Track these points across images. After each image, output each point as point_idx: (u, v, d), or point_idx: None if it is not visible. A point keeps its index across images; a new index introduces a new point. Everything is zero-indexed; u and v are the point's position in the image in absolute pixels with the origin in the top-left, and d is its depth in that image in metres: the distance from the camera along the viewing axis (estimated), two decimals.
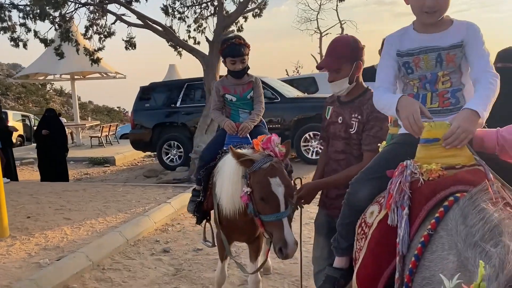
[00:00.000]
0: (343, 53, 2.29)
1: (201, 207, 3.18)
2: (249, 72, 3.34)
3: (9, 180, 8.02)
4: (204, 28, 11.63)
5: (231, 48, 3.12)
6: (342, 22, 23.42)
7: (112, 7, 9.60)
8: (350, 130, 2.34)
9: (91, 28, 10.13)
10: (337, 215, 1.93)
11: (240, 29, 11.61)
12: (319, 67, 2.57)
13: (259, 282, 2.96)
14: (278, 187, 2.27)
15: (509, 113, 2.26)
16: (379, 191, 1.61)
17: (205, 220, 3.33)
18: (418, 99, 1.69)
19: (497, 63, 3.00)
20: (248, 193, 2.32)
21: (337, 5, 21.53)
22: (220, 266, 3.12)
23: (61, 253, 4.26)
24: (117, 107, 45.55)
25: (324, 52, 22.74)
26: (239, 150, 2.48)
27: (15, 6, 8.76)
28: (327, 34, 23.87)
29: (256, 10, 11.09)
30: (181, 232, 5.19)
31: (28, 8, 8.70)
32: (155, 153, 10.99)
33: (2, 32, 8.76)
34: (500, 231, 0.96)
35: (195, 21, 11.49)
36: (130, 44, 10.05)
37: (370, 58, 4.20)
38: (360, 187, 1.70)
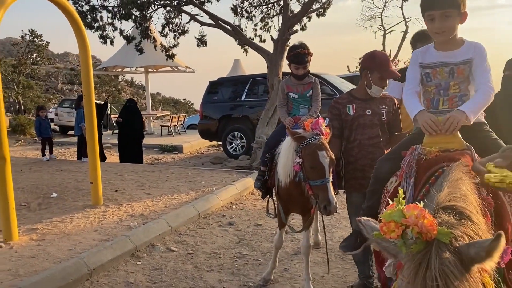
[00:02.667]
0: None
1: (266, 184, 3.87)
2: (310, 71, 4.00)
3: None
4: (270, 27, 12.28)
5: (296, 56, 3.77)
6: (407, 20, 23.05)
7: (187, 7, 10.55)
8: (382, 118, 3.17)
9: (167, 27, 11.13)
10: None
11: (303, 28, 12.13)
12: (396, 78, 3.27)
13: (309, 247, 3.59)
14: (324, 159, 2.91)
15: None
16: (398, 167, 2.17)
17: (268, 196, 4.01)
18: (433, 103, 2.24)
19: (505, 71, 3.44)
20: (300, 163, 2.97)
21: (402, 2, 21.24)
22: (278, 233, 3.76)
23: (145, 219, 5.13)
24: (183, 99, 47.75)
25: (387, 49, 22.60)
26: (294, 130, 3.14)
27: (105, 8, 9.95)
28: (391, 31, 23.70)
29: (320, 10, 11.55)
30: (243, 210, 5.94)
31: (115, 10, 9.84)
32: (220, 142, 11.86)
33: (94, 30, 9.98)
34: (449, 183, 1.54)
35: (262, 20, 12.17)
36: (202, 41, 10.94)
37: None
38: (384, 164, 2.29)
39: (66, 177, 7.43)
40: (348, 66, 24.67)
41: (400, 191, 1.34)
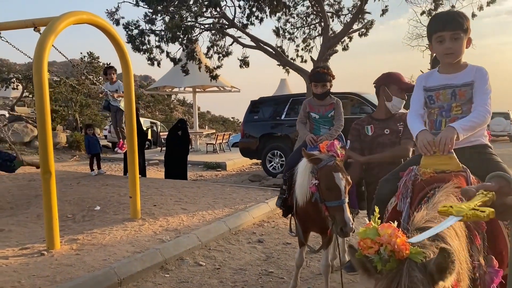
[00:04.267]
0: None
1: (286, 203, 3.94)
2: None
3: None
4: (312, 47, 12.45)
5: (315, 75, 3.90)
6: None
7: (230, 30, 10.94)
8: (400, 134, 3.28)
9: (212, 49, 11.57)
10: None
11: (345, 48, 12.18)
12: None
13: (329, 266, 3.62)
14: (340, 180, 2.94)
15: None
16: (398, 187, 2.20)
17: (290, 214, 4.08)
18: (436, 124, 2.27)
19: None
20: (316, 184, 3.02)
21: None
22: (298, 251, 3.82)
23: (178, 234, 5.33)
24: (231, 118, 48.74)
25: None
26: (310, 152, 3.21)
27: (153, 31, 10.53)
28: None
29: (362, 30, 11.56)
30: (274, 228, 6.01)
31: (163, 33, 10.38)
32: (261, 160, 12.04)
33: (142, 53, 10.57)
34: (428, 205, 1.57)
35: (304, 41, 12.37)
36: (244, 63, 11.26)
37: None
38: (385, 184, 2.32)
39: (110, 191, 7.84)
40: None
41: (377, 209, 1.40)
